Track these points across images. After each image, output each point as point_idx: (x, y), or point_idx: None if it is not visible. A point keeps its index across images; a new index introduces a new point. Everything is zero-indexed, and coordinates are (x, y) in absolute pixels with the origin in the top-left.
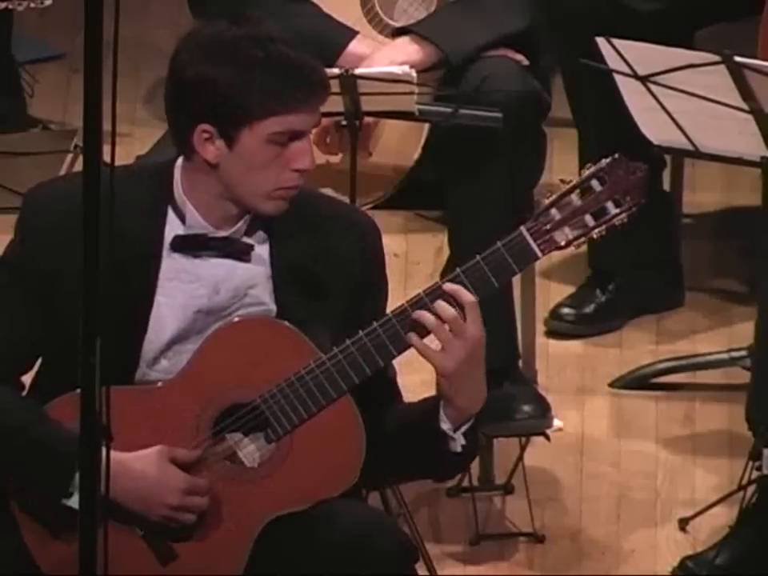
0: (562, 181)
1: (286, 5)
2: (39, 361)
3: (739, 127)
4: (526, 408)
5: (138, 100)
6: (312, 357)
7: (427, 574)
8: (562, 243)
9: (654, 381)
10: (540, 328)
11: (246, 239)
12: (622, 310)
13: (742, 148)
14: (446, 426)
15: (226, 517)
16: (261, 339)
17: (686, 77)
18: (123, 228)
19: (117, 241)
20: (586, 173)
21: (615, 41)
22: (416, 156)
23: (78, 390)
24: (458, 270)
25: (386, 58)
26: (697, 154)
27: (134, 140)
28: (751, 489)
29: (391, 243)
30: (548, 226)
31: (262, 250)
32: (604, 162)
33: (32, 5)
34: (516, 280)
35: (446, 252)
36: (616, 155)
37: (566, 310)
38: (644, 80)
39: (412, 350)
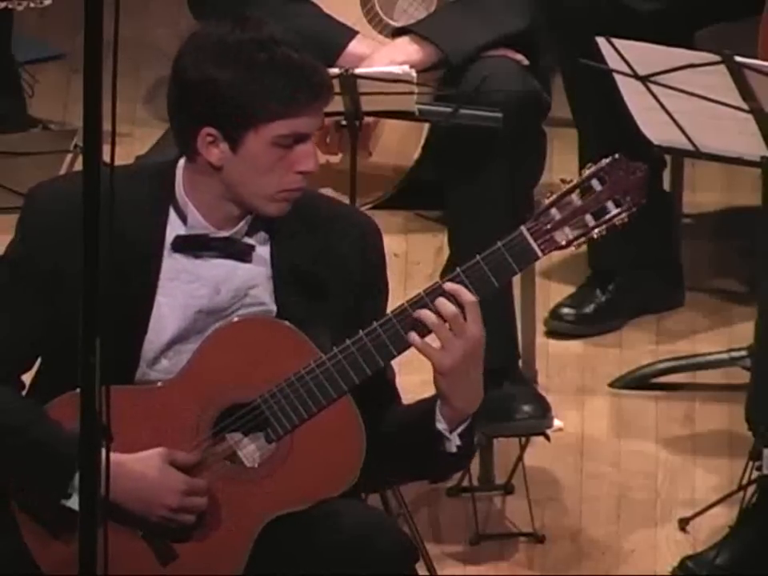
0: (563, 181)
1: (286, 5)
2: (39, 361)
3: (739, 127)
4: (526, 408)
5: (138, 100)
6: (312, 357)
7: (427, 574)
8: (563, 243)
9: (654, 381)
10: (540, 328)
11: (247, 240)
12: (622, 310)
13: (741, 148)
14: (441, 425)
15: (226, 517)
16: (261, 339)
17: (686, 77)
18: (124, 228)
19: (118, 241)
20: (587, 173)
21: (615, 41)
22: (416, 156)
23: (78, 390)
24: (458, 269)
25: (385, 58)
26: (697, 154)
27: (134, 140)
28: (751, 489)
29: (391, 243)
30: (548, 226)
31: (262, 251)
32: (604, 161)
33: (32, 5)
34: (516, 280)
35: (446, 252)
36: (616, 155)
37: (565, 310)
38: (644, 80)
39: (412, 350)
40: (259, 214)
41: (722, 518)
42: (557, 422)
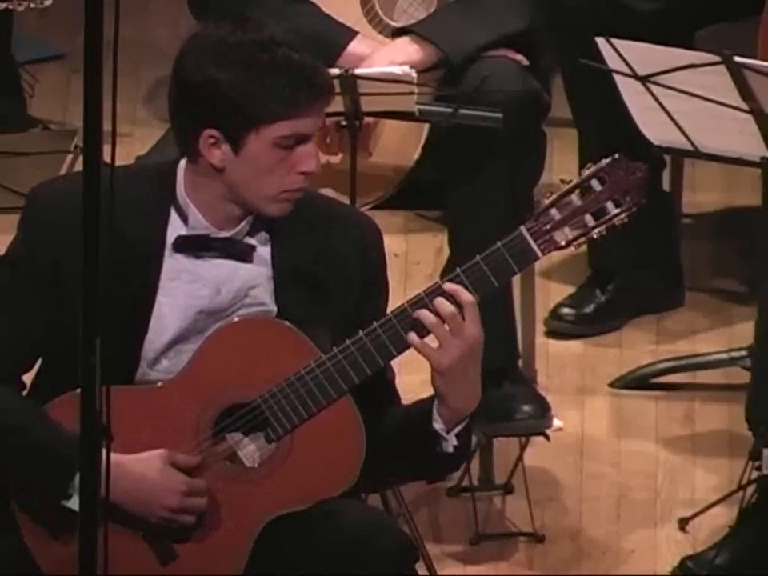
0: (562, 181)
1: (286, 5)
2: (39, 361)
3: (739, 127)
4: (526, 408)
5: (138, 100)
6: (312, 357)
7: (427, 574)
8: (562, 243)
9: (654, 381)
10: (540, 328)
11: (247, 240)
12: (622, 310)
13: (741, 148)
14: (438, 425)
15: (226, 517)
16: (261, 339)
17: (686, 77)
18: (125, 228)
19: (118, 241)
20: (586, 173)
21: (615, 41)
22: (416, 156)
23: (78, 390)
24: (457, 269)
25: (385, 58)
26: (697, 154)
27: (134, 140)
28: (751, 489)
29: (391, 243)
30: (548, 226)
31: (263, 251)
32: (604, 161)
33: (32, 5)
34: (516, 280)
35: (446, 252)
36: (616, 155)
37: (565, 310)
38: (644, 80)
39: (412, 350)
40: (261, 215)
41: (722, 518)
42: (557, 422)
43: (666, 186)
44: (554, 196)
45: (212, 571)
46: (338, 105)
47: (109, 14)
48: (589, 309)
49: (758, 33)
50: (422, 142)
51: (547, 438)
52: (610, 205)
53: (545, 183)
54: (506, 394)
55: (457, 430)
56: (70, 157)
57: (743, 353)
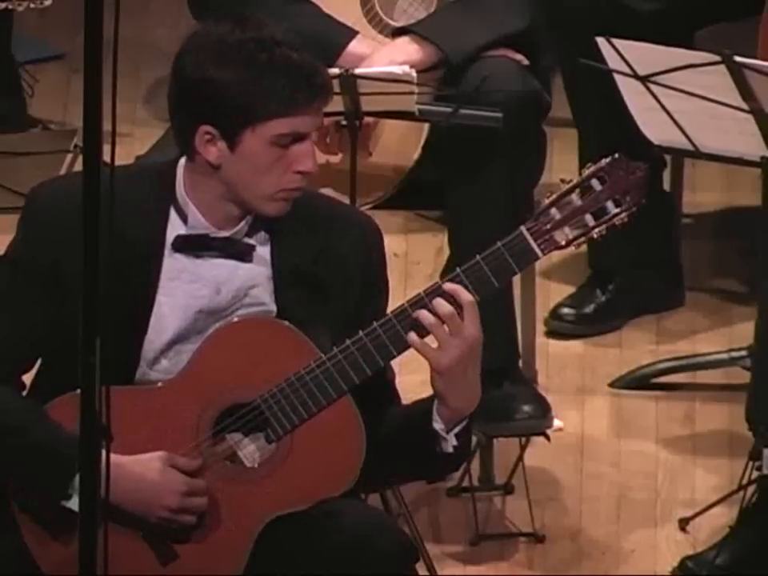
0: (562, 180)
1: (286, 5)
2: (39, 361)
3: (739, 127)
4: (526, 408)
5: (138, 100)
6: (312, 357)
7: (427, 574)
8: (562, 243)
9: (654, 381)
10: (540, 328)
11: (247, 240)
12: (622, 310)
13: (741, 148)
14: (438, 425)
15: (226, 517)
16: (261, 339)
17: (686, 77)
18: (124, 228)
19: (118, 240)
20: (586, 172)
21: (615, 41)
22: (416, 156)
23: (78, 390)
24: (458, 269)
25: (385, 58)
26: (697, 154)
27: (134, 140)
28: (751, 489)
29: (391, 243)
30: (548, 226)
31: (263, 251)
32: (604, 161)
33: (32, 5)
34: (516, 280)
35: (446, 252)
36: (616, 155)
37: (565, 310)
38: (644, 80)
39: (412, 350)
40: (259, 214)
41: (722, 518)
42: (557, 422)
43: (666, 185)
44: (554, 196)
45: (212, 571)
46: (338, 104)
47: (109, 13)
48: (589, 309)
49: (758, 33)
50: (422, 142)
51: (547, 438)
52: (610, 204)
53: (545, 183)
54: (506, 394)
55: (456, 430)
56: (69, 157)
57: (743, 353)
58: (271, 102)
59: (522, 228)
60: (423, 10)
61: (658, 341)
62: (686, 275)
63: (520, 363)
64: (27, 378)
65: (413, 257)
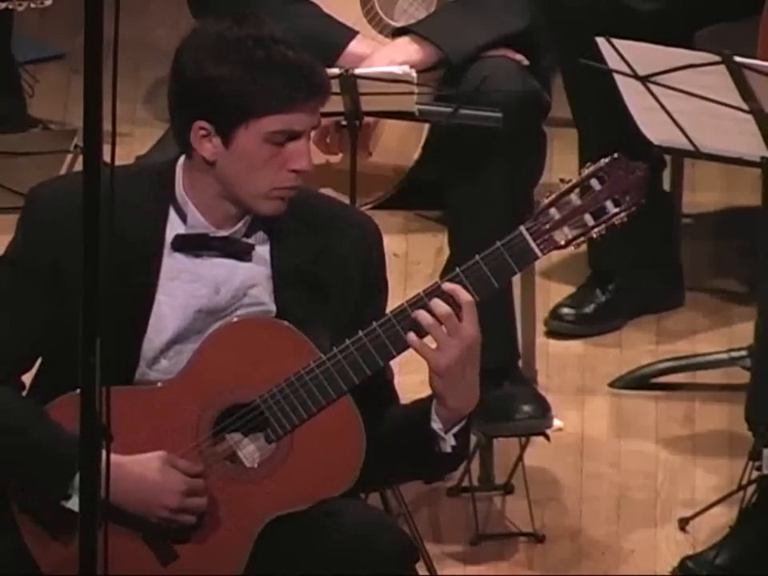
0: (562, 180)
1: (286, 5)
2: (39, 361)
3: (739, 127)
4: (526, 408)
5: (138, 100)
6: (312, 357)
7: (427, 574)
8: (562, 243)
9: (654, 381)
10: (540, 328)
11: (246, 239)
12: (622, 310)
13: (742, 148)
14: (436, 425)
15: (226, 517)
16: (261, 339)
17: (686, 77)
18: (124, 227)
19: (118, 240)
20: (586, 172)
21: (615, 41)
22: (416, 156)
23: (78, 390)
24: (457, 270)
25: (385, 58)
26: (697, 154)
27: (134, 140)
28: (751, 489)
29: (391, 243)
30: (547, 226)
31: (262, 250)
32: (603, 161)
33: (32, 5)
34: (516, 280)
35: (446, 252)
36: (615, 154)
37: (565, 310)
38: (644, 80)
39: (411, 350)
40: (255, 213)
41: (722, 517)
42: (557, 422)
43: (666, 185)
44: (554, 195)
45: (212, 571)
46: (338, 105)
47: (109, 13)
48: (589, 309)
49: (758, 33)
50: (422, 142)
51: (547, 438)
52: (609, 204)
53: (545, 183)
54: (505, 394)
55: (455, 430)
56: (69, 157)
57: (743, 353)
58: (266, 98)
59: (522, 228)
60: (423, 10)
61: (658, 341)
62: (686, 275)
63: (520, 363)
64: (27, 378)
65: (413, 257)
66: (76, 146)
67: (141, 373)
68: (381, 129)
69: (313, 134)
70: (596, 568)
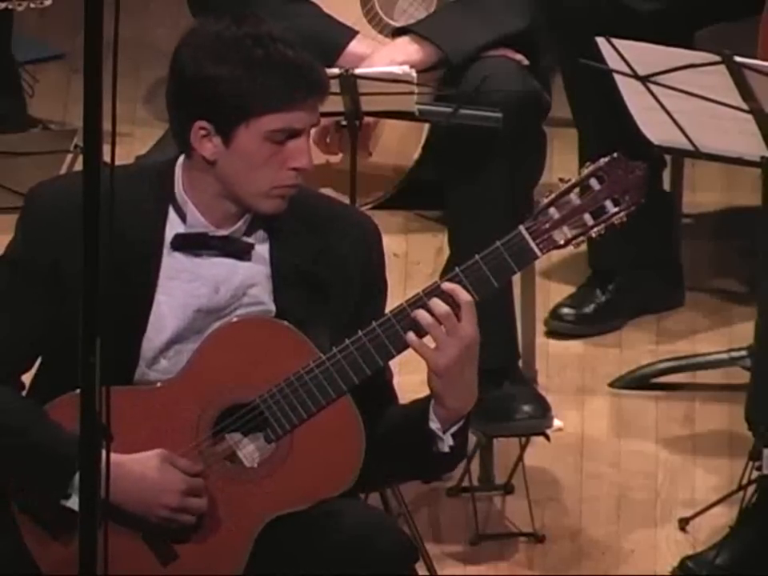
0: (561, 180)
1: (285, 5)
2: (39, 361)
3: (739, 127)
4: (526, 408)
5: (138, 100)
6: (311, 357)
7: (427, 574)
8: (561, 242)
9: (654, 381)
10: (540, 328)
11: (246, 238)
12: (622, 310)
13: (741, 148)
14: (435, 425)
15: (226, 517)
16: (260, 339)
17: (686, 77)
18: (124, 227)
19: (117, 240)
20: (585, 171)
21: (615, 41)
22: (416, 156)
23: (78, 390)
24: (456, 269)
25: (386, 58)
26: (697, 154)
27: (134, 140)
28: (751, 489)
29: (391, 243)
30: (547, 225)
31: (262, 250)
32: (602, 160)
33: (32, 5)
34: (516, 280)
35: (446, 252)
36: (615, 154)
37: (565, 310)
38: (644, 80)
39: (411, 351)
40: (256, 212)
41: (722, 517)
42: (557, 422)
43: (666, 185)
44: (553, 195)
45: (212, 571)
46: (338, 105)
47: (109, 13)
48: (589, 309)
49: (758, 33)
50: (422, 142)
51: (547, 438)
52: (608, 204)
53: (545, 183)
54: (505, 394)
55: (453, 430)
56: (69, 157)
57: (743, 353)
58: (265, 97)
59: (521, 227)
60: (423, 10)
61: (658, 341)
62: (686, 275)
63: (520, 363)
64: (27, 378)
65: (413, 257)
66: (76, 146)
67: (140, 373)
68: (381, 129)
69: (313, 133)
70: (596, 568)
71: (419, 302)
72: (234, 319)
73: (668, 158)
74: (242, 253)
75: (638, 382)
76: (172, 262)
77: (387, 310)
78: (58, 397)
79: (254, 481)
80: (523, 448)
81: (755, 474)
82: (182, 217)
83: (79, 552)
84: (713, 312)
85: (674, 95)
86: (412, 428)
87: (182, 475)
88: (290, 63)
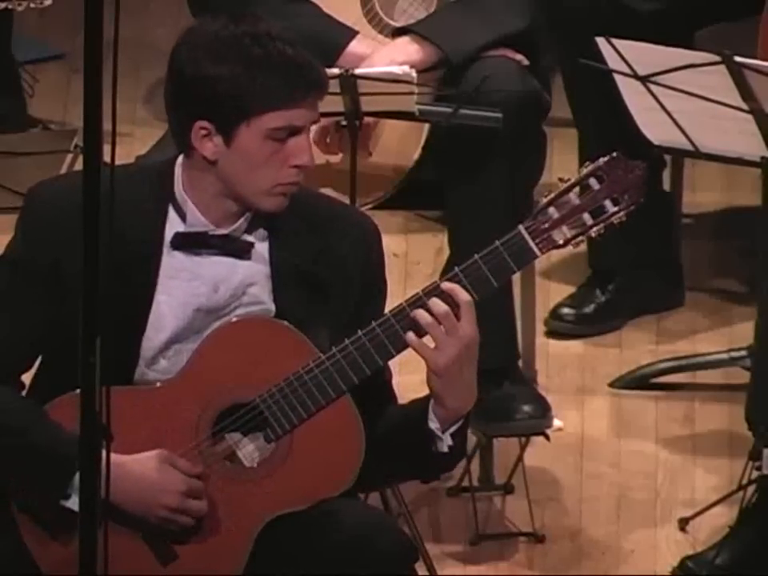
0: (561, 179)
1: (285, 5)
2: (39, 361)
3: (739, 127)
4: (526, 408)
5: (138, 100)
6: (311, 357)
7: (427, 574)
8: (561, 242)
9: (654, 381)
10: (540, 328)
11: (246, 237)
12: (622, 310)
13: (741, 148)
14: (434, 425)
15: (226, 517)
16: (260, 339)
17: (686, 77)
18: (123, 227)
19: (117, 240)
20: (584, 171)
21: (615, 41)
22: (416, 156)
23: (78, 390)
24: (456, 269)
25: (386, 58)
26: (697, 154)
27: (134, 140)
28: (751, 489)
29: (391, 243)
30: (546, 225)
31: (262, 248)
32: (602, 160)
33: (32, 5)
34: (516, 280)
35: (446, 252)
36: (614, 153)
37: (565, 310)
38: (644, 80)
39: (411, 351)
40: (257, 210)
41: (722, 517)
42: (557, 422)
43: (666, 185)
44: (552, 195)
45: (212, 571)
46: (338, 104)
47: (109, 13)
48: (589, 309)
49: (758, 33)
50: (422, 142)
51: (547, 437)
52: (608, 203)
53: (545, 183)
54: (505, 394)
55: (452, 429)
56: (69, 157)
57: (743, 353)
58: (266, 96)
59: (521, 227)
60: (423, 10)
61: (658, 341)
62: (686, 275)
63: (520, 363)
64: (27, 378)
65: (413, 257)
66: (76, 146)
67: (140, 373)
68: (381, 129)
69: (313, 133)
70: (596, 568)
71: (419, 301)
72: (234, 319)
73: (668, 158)
74: (242, 252)
75: (638, 381)
76: (172, 262)
77: (387, 309)
78: (58, 397)
79: (253, 481)
80: (523, 448)
81: (755, 474)
82: (182, 216)
83: (79, 552)
84: (713, 312)
85: (674, 95)
86: (411, 428)
87: (181, 476)
88: (289, 61)
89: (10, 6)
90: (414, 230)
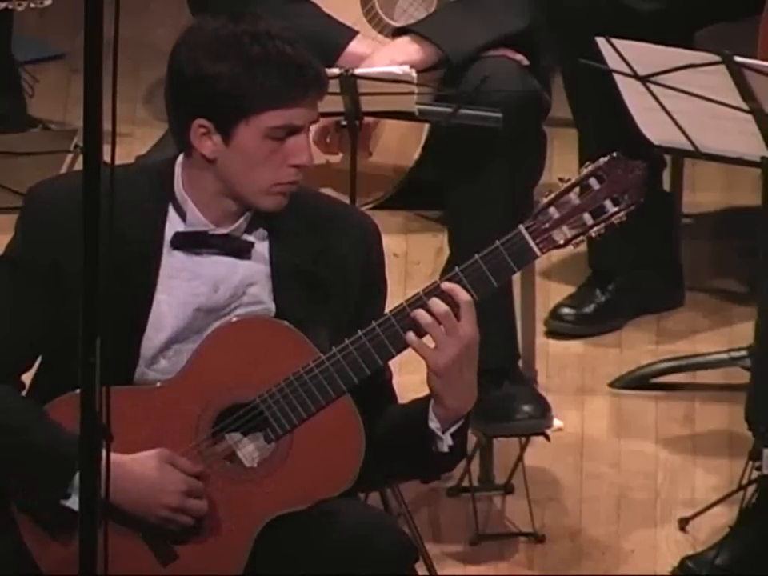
0: (561, 179)
1: (285, 5)
2: (39, 361)
3: (739, 127)
4: (526, 408)
5: (138, 100)
6: (311, 357)
7: (427, 574)
8: (561, 242)
9: (654, 381)
10: (540, 328)
11: (246, 237)
12: (622, 310)
13: (741, 148)
14: (434, 425)
15: (226, 517)
16: (260, 339)
17: (686, 77)
18: (123, 226)
19: (117, 239)
20: (584, 171)
21: (615, 41)
22: (416, 156)
23: (78, 390)
24: (456, 269)
25: (386, 58)
26: (697, 154)
27: (134, 140)
28: (751, 489)
29: (391, 243)
30: (546, 225)
31: (262, 248)
32: (602, 160)
33: (32, 5)
34: (516, 280)
35: (446, 252)
36: (614, 153)
37: (566, 310)
38: (644, 80)
39: (411, 351)
40: (257, 210)
41: (722, 517)
42: (557, 422)
43: (666, 186)
44: (553, 195)
45: (212, 571)
46: (338, 104)
47: (109, 13)
48: (589, 309)
49: (758, 33)
50: (422, 142)
51: (547, 437)
52: (608, 203)
53: (545, 183)
54: (505, 394)
55: (452, 429)
56: (69, 157)
57: (743, 353)
58: (265, 94)
59: (521, 227)
60: (423, 10)
61: (658, 341)
62: (686, 275)
63: (520, 363)
64: (27, 378)
65: (413, 257)
66: (76, 146)
67: (140, 372)
68: (381, 129)
69: (313, 133)
70: (596, 568)
71: (419, 301)
72: (234, 319)
73: (668, 158)
74: (242, 251)
75: (638, 381)
76: (172, 261)
77: (387, 309)
78: (58, 397)
79: (253, 481)
80: (523, 448)
81: (755, 474)
82: (182, 215)
83: (79, 552)
84: (713, 312)
85: (674, 95)
86: (411, 428)
87: (182, 475)
88: (289, 60)
89: (10, 6)
90: (413, 229)
